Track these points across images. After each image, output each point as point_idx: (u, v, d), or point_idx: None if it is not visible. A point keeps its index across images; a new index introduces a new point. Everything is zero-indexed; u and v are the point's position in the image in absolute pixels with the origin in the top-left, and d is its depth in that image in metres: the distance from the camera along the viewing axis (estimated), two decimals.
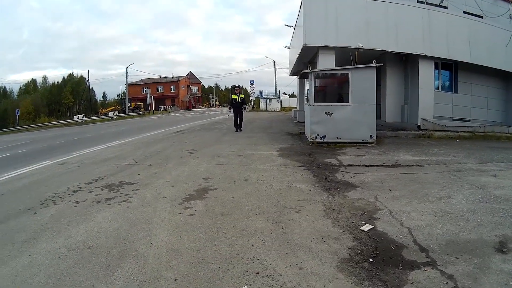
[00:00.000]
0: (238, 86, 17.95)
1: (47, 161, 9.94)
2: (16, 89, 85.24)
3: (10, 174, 8.38)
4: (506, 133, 12.61)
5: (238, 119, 16.76)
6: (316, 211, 4.93)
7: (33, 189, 6.74)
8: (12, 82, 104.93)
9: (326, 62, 13.58)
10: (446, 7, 15.66)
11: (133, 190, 6.31)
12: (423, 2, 15.30)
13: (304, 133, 14.14)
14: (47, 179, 7.64)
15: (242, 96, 17.27)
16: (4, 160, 11.49)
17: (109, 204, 5.53)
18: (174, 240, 4.02)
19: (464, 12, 15.61)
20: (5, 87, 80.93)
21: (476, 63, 14.68)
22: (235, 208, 5.13)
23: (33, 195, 6.21)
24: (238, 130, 16.61)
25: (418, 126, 14.04)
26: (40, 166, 9.36)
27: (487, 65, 14.85)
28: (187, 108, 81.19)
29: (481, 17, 15.69)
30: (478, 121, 15.18)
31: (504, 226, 4.08)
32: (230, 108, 17.41)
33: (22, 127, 40.47)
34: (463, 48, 14.38)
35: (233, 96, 16.98)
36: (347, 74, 11.22)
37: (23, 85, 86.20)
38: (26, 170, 8.79)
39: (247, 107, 20.35)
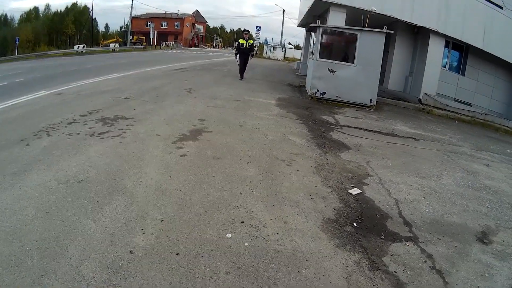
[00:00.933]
0: (247, 31, 15.92)
1: (44, 91, 9.77)
2: (17, 17, 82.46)
3: (5, 104, 8.24)
4: (506, 126, 12.41)
5: (243, 65, 15.13)
6: (307, 166, 4.96)
7: (27, 120, 6.60)
8: (14, 9, 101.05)
9: (336, 19, 13.17)
10: None
11: (127, 125, 6.29)
12: None
13: (304, 86, 13.99)
14: (42, 110, 7.51)
15: (251, 41, 15.58)
16: (0, 89, 11.34)
17: (102, 138, 5.52)
18: (163, 180, 4.06)
19: None
20: (6, 15, 77.96)
21: (487, 51, 14.31)
22: (227, 153, 5.15)
23: (27, 126, 6.09)
24: (242, 78, 15.08)
25: (420, 100, 13.85)
26: (36, 96, 9.21)
27: (499, 56, 14.46)
28: (190, 46, 79.39)
29: (501, 7, 15.06)
30: (480, 108, 14.95)
31: (489, 218, 4.08)
32: (236, 54, 15.36)
33: (21, 56, 39.56)
34: (477, 33, 13.98)
35: (241, 41, 15.14)
36: (356, 35, 10.95)
37: (24, 13, 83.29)
38: (21, 100, 8.64)
39: (254, 54, 17.72)
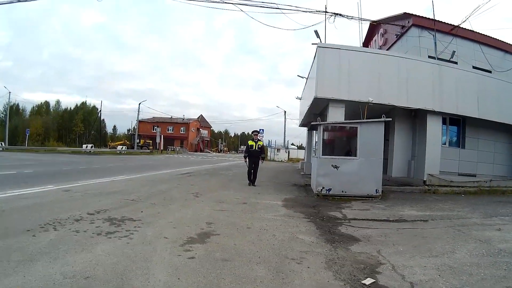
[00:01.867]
0: (257, 131, 14.96)
1: (52, 186, 9.95)
2: (28, 108, 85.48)
3: (13, 193, 8.38)
4: (511, 187, 12.63)
5: (253, 170, 13.98)
6: (317, 263, 4.83)
7: (34, 211, 6.70)
8: (25, 101, 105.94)
9: (336, 115, 13.55)
10: (456, 62, 16.12)
11: (135, 227, 6.22)
12: (433, 58, 15.67)
13: (310, 185, 14.06)
14: (50, 204, 7.61)
15: (261, 143, 14.42)
16: (9, 178, 11.52)
17: (110, 237, 5.44)
18: (172, 282, 3.91)
19: (474, 67, 15.94)
20: (18, 105, 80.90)
21: (484, 118, 14.80)
22: (236, 255, 5.03)
23: (34, 217, 6.17)
24: (251, 183, 13.94)
25: (424, 182, 13.93)
26: (44, 189, 9.36)
27: (495, 120, 14.98)
28: (196, 151, 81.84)
29: (490, 71, 15.98)
30: (484, 175, 15.12)
31: (508, 279, 4.07)
32: (245, 157, 14.17)
33: (30, 147, 40.88)
34: (472, 103, 14.54)
35: (250, 143, 14.12)
36: (356, 128, 11.32)
37: (36, 105, 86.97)
38: (29, 191, 8.79)
39: (264, 157, 15.26)
